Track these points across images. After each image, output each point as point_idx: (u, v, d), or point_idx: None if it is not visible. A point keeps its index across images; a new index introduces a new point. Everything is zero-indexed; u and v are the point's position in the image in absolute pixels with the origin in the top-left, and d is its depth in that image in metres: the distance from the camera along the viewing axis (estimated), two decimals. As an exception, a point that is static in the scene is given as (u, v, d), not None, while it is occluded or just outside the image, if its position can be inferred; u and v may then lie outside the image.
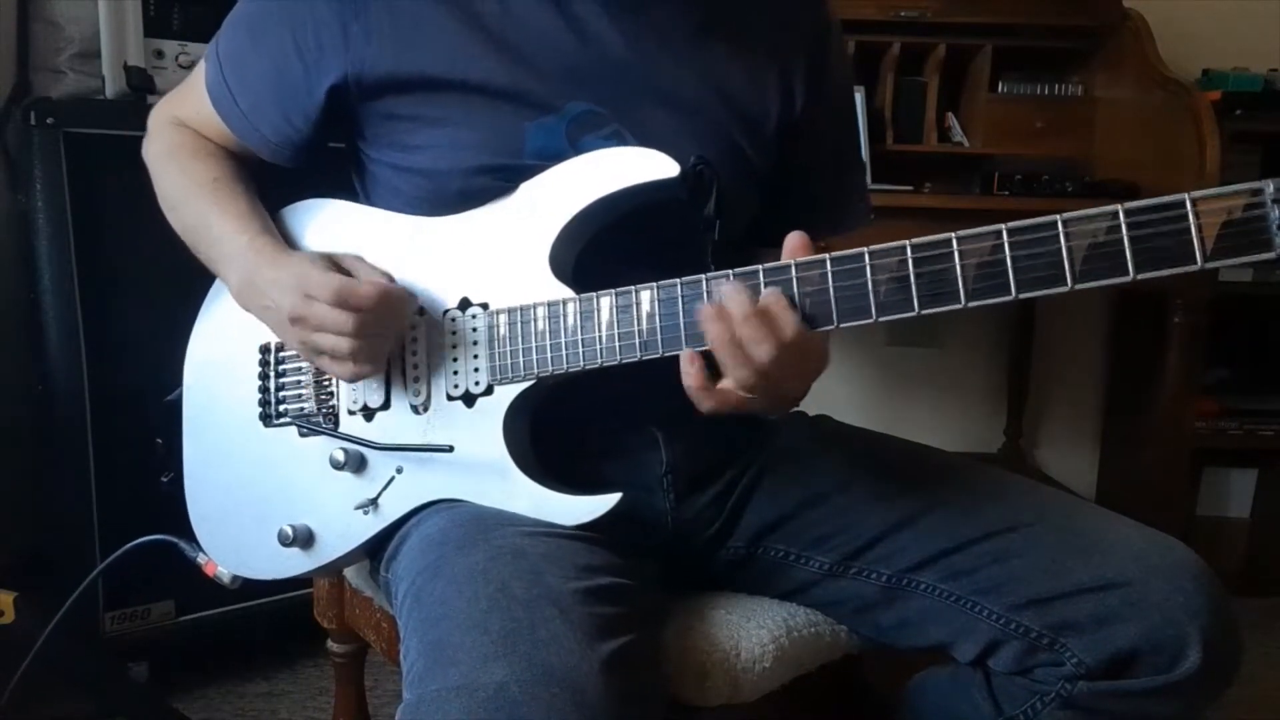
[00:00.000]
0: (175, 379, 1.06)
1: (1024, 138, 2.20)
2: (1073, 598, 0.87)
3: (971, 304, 0.75)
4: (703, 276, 0.82)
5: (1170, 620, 0.83)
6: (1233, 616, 0.86)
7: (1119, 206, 0.71)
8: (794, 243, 0.81)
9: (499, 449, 0.89)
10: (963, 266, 0.75)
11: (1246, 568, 2.36)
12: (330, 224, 1.00)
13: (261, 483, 0.99)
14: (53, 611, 1.24)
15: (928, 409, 2.59)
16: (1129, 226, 0.70)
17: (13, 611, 1.35)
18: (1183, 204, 0.69)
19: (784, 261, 0.80)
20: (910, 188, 2.12)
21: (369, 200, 1.02)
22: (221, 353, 1.03)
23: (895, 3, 2.10)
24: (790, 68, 1.01)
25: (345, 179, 1.06)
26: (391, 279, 0.93)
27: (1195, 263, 0.69)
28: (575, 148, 0.91)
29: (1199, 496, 2.41)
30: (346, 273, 0.91)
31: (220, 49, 1.00)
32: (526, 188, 0.91)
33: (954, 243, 0.75)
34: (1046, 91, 2.23)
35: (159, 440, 1.06)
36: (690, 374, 0.82)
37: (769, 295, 0.79)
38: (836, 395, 2.52)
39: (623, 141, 0.92)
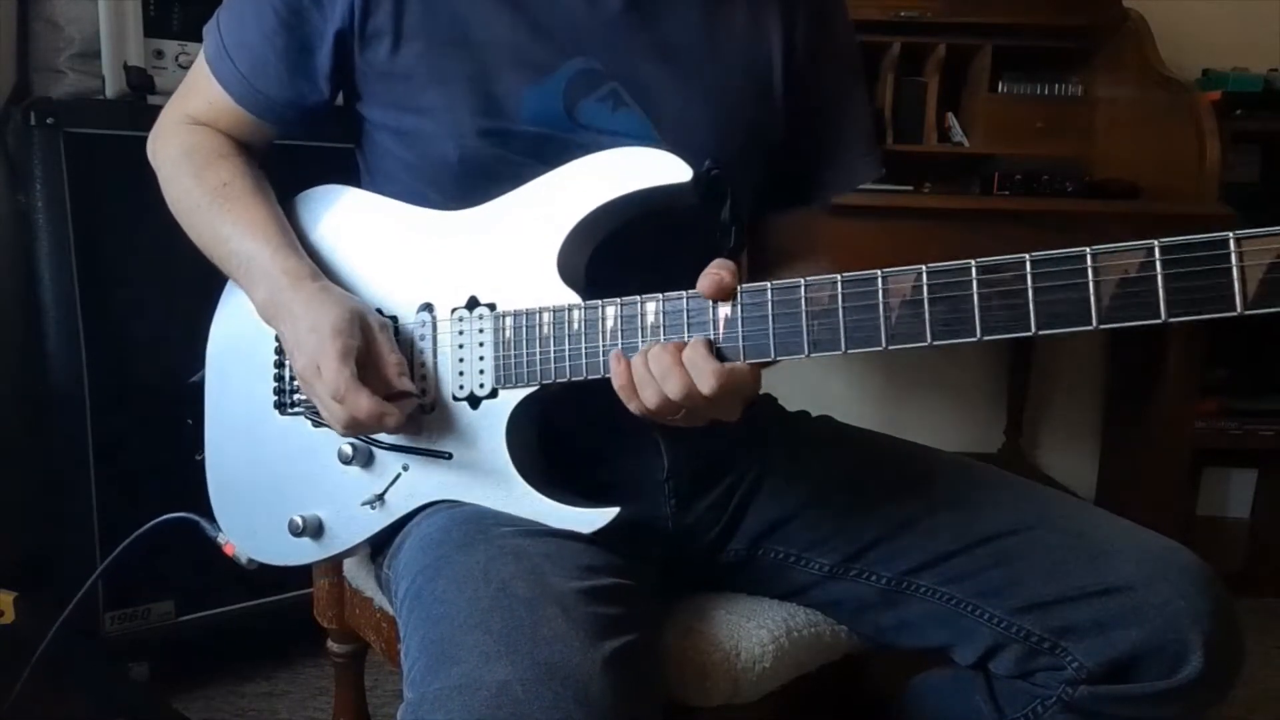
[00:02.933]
0: (196, 364, 1.06)
1: (1024, 138, 2.20)
2: (1074, 602, 0.87)
3: (987, 338, 0.71)
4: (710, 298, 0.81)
5: (1172, 625, 0.83)
6: (1235, 621, 0.86)
7: (1155, 242, 0.66)
8: (705, 285, 0.80)
9: (501, 454, 0.89)
10: (981, 297, 0.71)
11: (1246, 568, 2.36)
12: (343, 213, 1.00)
13: (276, 470, 1.00)
14: (53, 611, 1.24)
15: (928, 409, 2.59)
16: (1164, 264, 0.66)
17: (13, 611, 1.35)
18: (1226, 242, 0.64)
19: (794, 280, 0.78)
20: (910, 188, 2.11)
21: (373, 176, 1.02)
22: (241, 338, 1.03)
23: (895, 3, 2.10)
24: (792, 11, 1.00)
25: (351, 175, 1.06)
26: (401, 361, 0.89)
27: (1234, 309, 0.64)
28: (571, 114, 0.91)
29: (1199, 496, 2.41)
30: (368, 342, 0.88)
31: (220, 18, 1.00)
32: (537, 184, 0.91)
33: (973, 271, 0.72)
34: (1046, 91, 2.23)
35: (189, 421, 1.06)
36: (617, 373, 0.82)
37: (691, 349, 0.79)
38: (836, 395, 2.53)
39: (619, 102, 0.92)
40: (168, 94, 1.08)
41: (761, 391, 1.12)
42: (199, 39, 1.02)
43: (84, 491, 1.57)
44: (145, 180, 1.05)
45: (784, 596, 1.00)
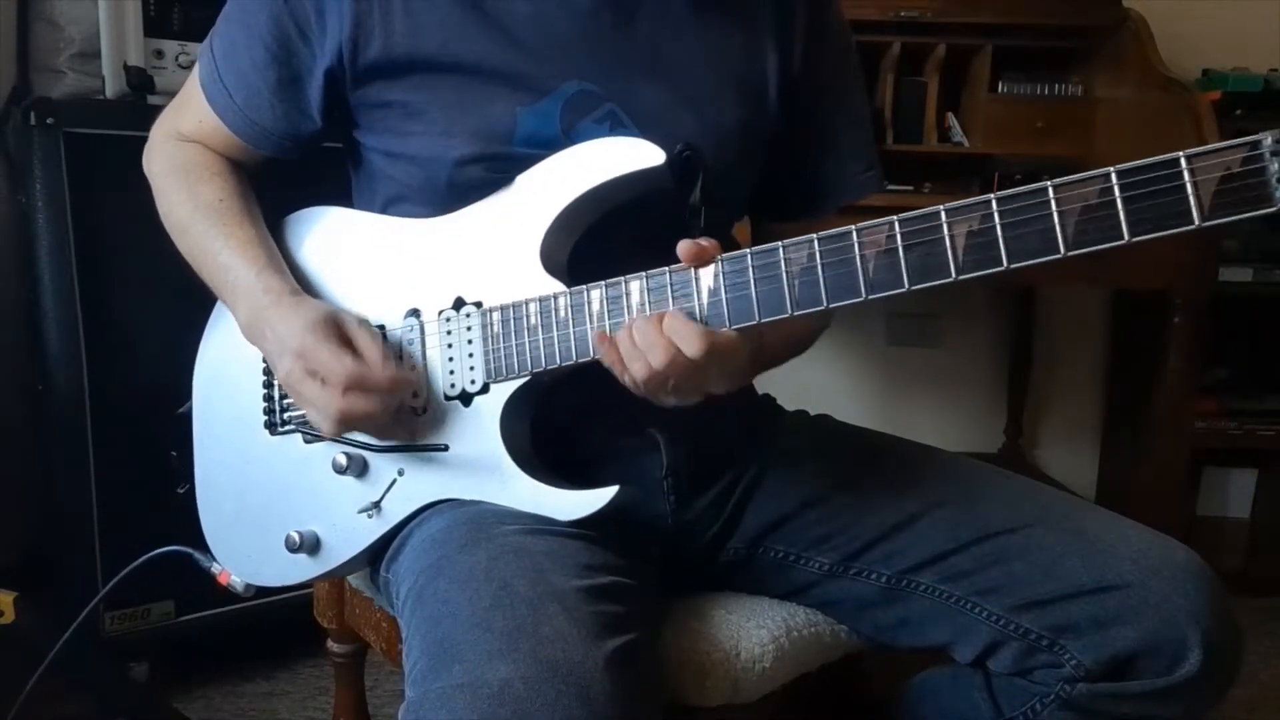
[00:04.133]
0: (185, 391, 1.06)
1: (1024, 138, 2.20)
2: (1072, 599, 0.87)
3: (962, 277, 0.73)
4: (691, 264, 0.82)
5: (1170, 623, 0.83)
6: (1234, 619, 0.86)
7: (1111, 169, 0.69)
8: (685, 251, 0.81)
9: (496, 447, 0.89)
10: (952, 239, 0.73)
11: (1246, 568, 2.36)
12: (328, 232, 1.00)
13: (269, 490, 0.99)
14: (53, 612, 1.24)
15: (928, 409, 2.59)
16: (1122, 189, 0.69)
17: (13, 611, 1.35)
18: (1177, 162, 0.67)
19: (772, 244, 0.79)
20: (910, 188, 2.12)
21: (364, 193, 1.02)
22: (228, 363, 1.03)
23: (895, 3, 2.10)
24: (788, 24, 0.99)
25: (342, 183, 1.06)
26: (387, 347, 0.91)
27: (1192, 222, 0.67)
28: (568, 134, 0.91)
29: (1199, 496, 2.41)
30: (345, 337, 0.89)
31: (214, 45, 1.00)
32: (515, 184, 0.91)
33: (943, 215, 0.74)
34: (1046, 91, 2.23)
35: (173, 453, 1.06)
36: (604, 352, 0.82)
37: (670, 318, 0.80)
38: (836, 395, 2.52)
39: (616, 123, 0.92)
40: (168, 94, 1.08)
41: (760, 391, 1.13)
42: (199, 39, 1.02)
43: (84, 492, 1.57)
44: (145, 180, 1.05)
45: (784, 596, 1.00)
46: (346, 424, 0.87)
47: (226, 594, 1.03)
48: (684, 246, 0.81)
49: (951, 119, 2.25)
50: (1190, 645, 0.83)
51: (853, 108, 1.07)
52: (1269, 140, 0.65)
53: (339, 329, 0.90)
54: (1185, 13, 2.29)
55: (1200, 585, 0.85)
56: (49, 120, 1.53)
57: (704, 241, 0.81)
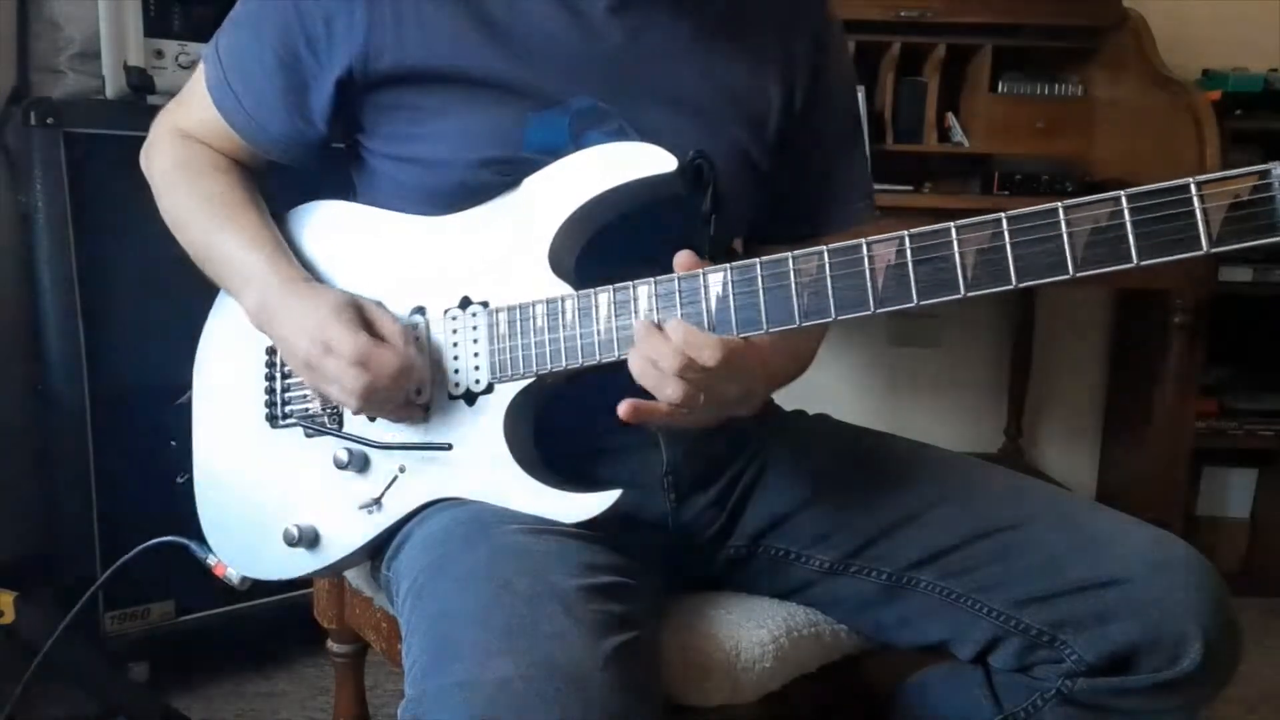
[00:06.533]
0: (185, 381, 1.06)
1: (1024, 138, 2.20)
2: (1072, 595, 0.87)
3: (971, 294, 0.74)
4: (700, 271, 0.82)
5: (1170, 617, 0.83)
6: (1233, 613, 0.86)
7: (1121, 193, 0.69)
8: (682, 260, 0.81)
9: (500, 447, 0.89)
10: (962, 255, 0.74)
11: (1246, 568, 2.37)
12: (334, 226, 1.00)
13: (268, 483, 0.99)
14: (54, 612, 1.24)
15: (928, 409, 2.59)
16: (1132, 212, 0.69)
17: (13, 611, 1.35)
18: (1187, 188, 0.68)
19: (781, 255, 0.79)
20: (910, 188, 2.12)
21: (367, 196, 1.02)
22: (230, 355, 1.03)
23: (895, 3, 2.10)
24: (792, 65, 1.01)
25: (346, 179, 1.06)
26: (408, 329, 0.91)
27: (1201, 248, 0.67)
28: (578, 143, 0.91)
29: (1199, 496, 2.41)
30: (368, 321, 0.90)
31: (221, 48, 1.00)
32: (526, 185, 0.91)
33: (953, 232, 0.74)
34: (1046, 91, 2.24)
35: (173, 442, 1.06)
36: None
37: (674, 328, 0.79)
38: (836, 395, 2.52)
39: (626, 137, 0.92)
40: (168, 94, 1.08)
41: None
42: (199, 39, 1.02)
43: (84, 491, 1.57)
44: (145, 180, 1.05)
45: (785, 594, 1.00)
46: (370, 396, 0.87)
47: (227, 594, 1.03)
48: (680, 256, 0.81)
49: (951, 119, 2.25)
50: (1190, 640, 0.83)
51: (851, 140, 1.09)
52: (1278, 170, 0.66)
53: (360, 313, 0.90)
54: (1185, 13, 2.29)
55: (1200, 580, 0.85)
56: (49, 120, 1.53)
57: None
